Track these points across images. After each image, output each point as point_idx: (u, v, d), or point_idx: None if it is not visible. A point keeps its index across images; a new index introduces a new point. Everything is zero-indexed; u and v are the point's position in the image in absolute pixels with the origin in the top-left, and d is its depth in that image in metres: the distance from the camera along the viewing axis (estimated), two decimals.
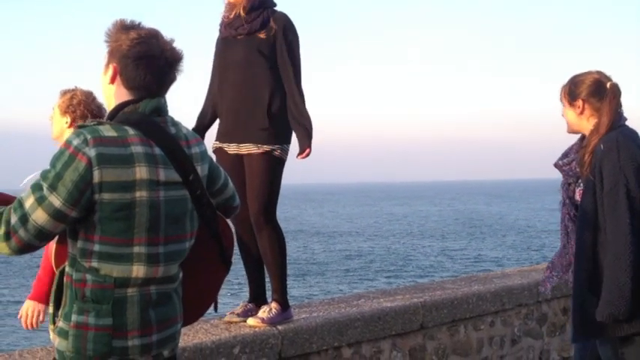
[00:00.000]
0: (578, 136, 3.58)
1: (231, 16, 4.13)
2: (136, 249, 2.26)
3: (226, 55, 4.15)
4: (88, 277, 2.25)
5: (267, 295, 4.26)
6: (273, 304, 4.07)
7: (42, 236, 2.21)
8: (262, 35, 4.06)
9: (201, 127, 4.26)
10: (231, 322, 4.02)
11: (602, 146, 3.25)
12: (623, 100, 3.44)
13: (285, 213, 65.95)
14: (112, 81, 2.37)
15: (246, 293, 4.41)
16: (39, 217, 2.18)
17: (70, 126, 3.24)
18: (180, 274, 2.45)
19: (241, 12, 4.08)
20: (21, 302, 3.47)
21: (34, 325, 3.30)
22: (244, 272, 4.33)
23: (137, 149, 2.25)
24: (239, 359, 3.72)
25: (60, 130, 3.30)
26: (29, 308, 3.31)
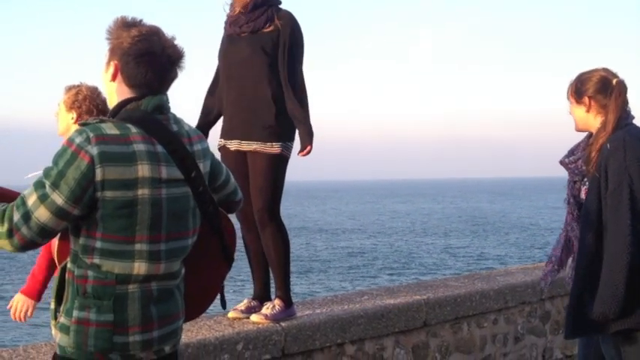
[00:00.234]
0: (585, 133, 3.57)
1: (235, 12, 4.13)
2: (138, 246, 2.26)
3: (230, 53, 4.15)
4: (90, 273, 2.26)
5: (271, 293, 4.26)
6: (277, 301, 4.08)
7: (44, 234, 2.22)
8: (266, 33, 4.06)
9: (205, 124, 4.27)
10: (234, 319, 4.02)
11: (608, 145, 3.24)
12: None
13: (288, 210, 65.96)
14: (114, 78, 2.37)
15: (249, 290, 4.42)
16: (41, 214, 2.19)
17: (75, 122, 3.24)
18: (183, 271, 2.45)
19: (239, 9, 4.09)
20: None
21: (22, 320, 3.33)
22: (247, 269, 4.34)
23: (139, 147, 2.25)
24: (242, 355, 3.73)
25: (66, 126, 3.30)
26: (19, 302, 3.32)
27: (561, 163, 3.65)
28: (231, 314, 4.05)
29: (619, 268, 3.09)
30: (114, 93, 2.39)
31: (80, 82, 3.35)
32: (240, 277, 21.49)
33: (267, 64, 4.05)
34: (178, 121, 2.43)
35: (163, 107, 2.37)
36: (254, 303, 4.15)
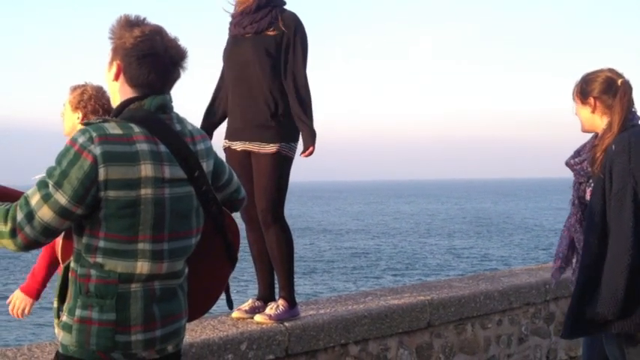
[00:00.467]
0: (591, 134, 3.57)
1: (237, 11, 4.14)
2: (141, 245, 2.26)
3: (234, 54, 4.16)
4: (93, 272, 2.26)
5: (275, 293, 4.26)
6: (281, 301, 4.08)
7: (48, 233, 2.22)
8: (270, 34, 4.06)
9: (210, 125, 4.27)
10: (238, 319, 4.02)
11: (613, 146, 3.24)
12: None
13: (292, 210, 66.00)
14: (116, 78, 2.37)
15: (252, 290, 4.43)
16: (45, 214, 2.19)
17: (81, 121, 3.24)
18: (186, 270, 2.45)
19: (241, 8, 4.10)
20: None
21: (20, 316, 3.34)
22: (251, 269, 4.33)
23: (142, 147, 2.25)
24: (246, 355, 3.73)
25: (72, 126, 3.30)
26: (18, 299, 3.33)
27: (567, 164, 3.65)
28: (235, 314, 4.05)
29: (619, 270, 3.09)
30: (117, 92, 2.39)
31: (85, 82, 3.35)
32: (244, 278, 21.51)
33: (270, 65, 4.05)
34: (181, 121, 2.43)
35: (166, 107, 2.37)
36: (258, 303, 4.15)
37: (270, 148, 4.05)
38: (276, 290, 4.22)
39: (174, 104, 2.42)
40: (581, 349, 3.99)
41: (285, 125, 4.08)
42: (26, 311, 3.34)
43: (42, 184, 2.21)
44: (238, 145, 4.14)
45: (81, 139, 2.22)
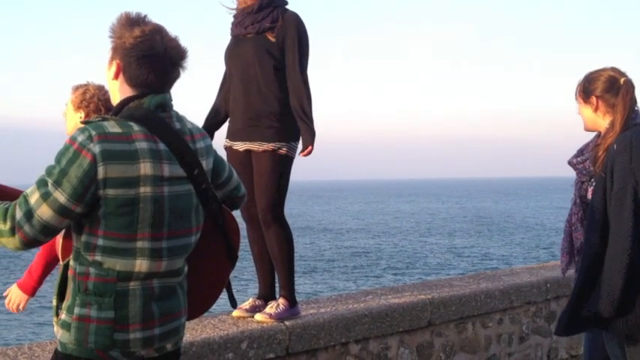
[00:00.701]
0: (594, 133, 3.56)
1: (239, 9, 4.14)
2: (139, 244, 2.26)
3: (235, 54, 4.16)
4: (91, 270, 2.26)
5: (275, 292, 4.26)
6: (281, 300, 4.08)
7: (47, 231, 2.22)
8: (271, 34, 4.07)
9: (213, 124, 4.27)
10: (239, 318, 4.02)
11: (615, 146, 3.23)
12: None
13: (292, 210, 66.02)
14: (116, 77, 2.37)
15: (252, 289, 4.43)
16: (44, 212, 2.18)
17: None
18: (186, 269, 2.45)
19: (242, 5, 4.10)
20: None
21: (15, 311, 3.37)
22: (251, 268, 4.33)
23: (141, 145, 2.25)
24: (247, 354, 3.73)
25: (74, 125, 3.30)
26: (14, 294, 3.35)
27: (570, 163, 3.64)
28: (235, 313, 4.05)
29: (617, 269, 3.09)
30: (117, 91, 2.39)
31: (87, 82, 3.34)
32: (244, 277, 21.52)
33: (271, 66, 4.06)
34: (181, 119, 2.42)
35: (166, 105, 2.36)
36: (258, 302, 4.15)
37: (271, 147, 4.05)
38: (277, 289, 4.22)
39: (174, 103, 2.42)
40: (582, 347, 3.99)
41: (286, 125, 4.08)
42: (21, 307, 3.36)
43: (41, 183, 2.21)
44: (239, 145, 4.14)
45: (80, 138, 2.21)
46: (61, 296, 2.35)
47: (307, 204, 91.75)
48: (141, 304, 2.29)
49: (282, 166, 4.09)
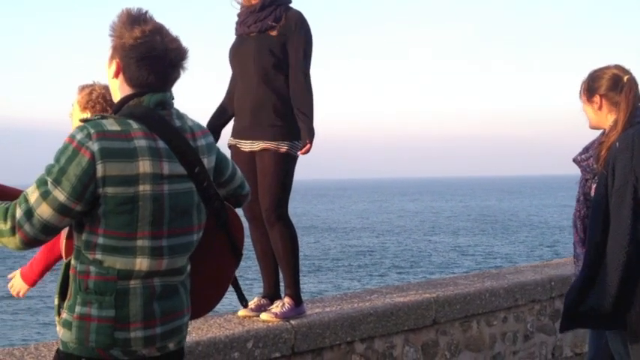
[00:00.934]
0: (599, 131, 3.56)
1: (242, 6, 4.15)
2: (140, 242, 2.25)
3: (239, 53, 4.17)
4: (92, 268, 2.25)
5: (280, 291, 4.27)
6: (286, 299, 4.08)
7: (47, 230, 2.21)
8: (274, 33, 4.07)
9: (220, 123, 4.28)
10: (244, 317, 4.03)
11: (617, 143, 3.24)
12: None
13: (296, 209, 66.00)
14: (116, 76, 2.36)
15: (257, 289, 4.43)
16: (44, 211, 2.18)
17: None
18: (189, 267, 2.43)
19: (245, 3, 4.11)
20: (32, 297, 3.53)
21: (16, 296, 3.44)
22: (256, 267, 4.34)
23: (140, 143, 2.24)
24: (252, 353, 3.73)
25: None
26: (16, 281, 3.39)
27: (574, 160, 3.65)
28: (241, 312, 4.06)
29: (615, 265, 3.10)
30: (117, 89, 2.38)
31: (93, 81, 3.35)
32: (249, 276, 21.53)
33: (273, 64, 4.06)
34: (181, 117, 2.40)
35: (166, 103, 2.35)
36: (264, 301, 4.15)
37: (275, 146, 4.06)
38: (282, 288, 4.22)
39: (174, 101, 2.40)
40: (586, 345, 4.00)
41: (289, 124, 4.08)
42: (21, 294, 3.42)
43: (41, 182, 2.20)
44: (243, 144, 4.14)
45: (79, 136, 2.21)
46: (62, 295, 2.35)
47: (311, 203, 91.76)
48: (142, 303, 2.28)
49: (285, 165, 4.09)
